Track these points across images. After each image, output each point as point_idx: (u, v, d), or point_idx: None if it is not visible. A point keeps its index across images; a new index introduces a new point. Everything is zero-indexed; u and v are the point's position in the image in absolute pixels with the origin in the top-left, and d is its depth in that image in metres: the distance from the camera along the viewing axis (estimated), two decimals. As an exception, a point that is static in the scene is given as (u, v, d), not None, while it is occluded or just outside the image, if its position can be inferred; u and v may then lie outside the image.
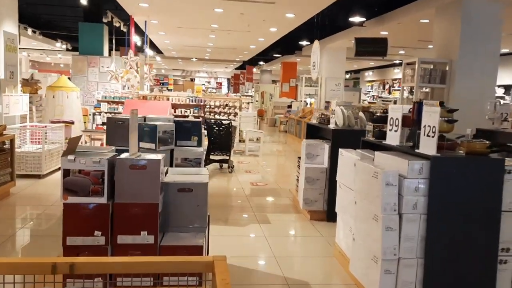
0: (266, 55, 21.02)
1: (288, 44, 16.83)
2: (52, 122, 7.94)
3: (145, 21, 11.16)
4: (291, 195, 5.97)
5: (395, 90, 25.59)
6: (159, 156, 2.75)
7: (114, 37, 13.19)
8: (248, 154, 10.17)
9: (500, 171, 2.79)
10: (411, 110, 3.22)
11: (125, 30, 12.86)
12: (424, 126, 2.89)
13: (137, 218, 2.68)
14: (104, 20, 11.45)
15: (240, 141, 11.73)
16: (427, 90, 8.04)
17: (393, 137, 3.31)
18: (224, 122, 7.80)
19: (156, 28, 12.57)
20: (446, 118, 2.85)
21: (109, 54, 13.70)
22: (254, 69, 28.00)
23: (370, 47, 9.08)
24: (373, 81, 29.35)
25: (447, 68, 7.41)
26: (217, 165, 8.15)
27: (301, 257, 3.86)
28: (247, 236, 4.32)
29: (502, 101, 5.84)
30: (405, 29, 10.80)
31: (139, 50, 19.68)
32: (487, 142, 2.87)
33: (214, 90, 32.35)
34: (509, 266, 2.89)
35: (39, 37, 14.36)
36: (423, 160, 2.78)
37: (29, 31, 13.49)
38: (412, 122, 3.19)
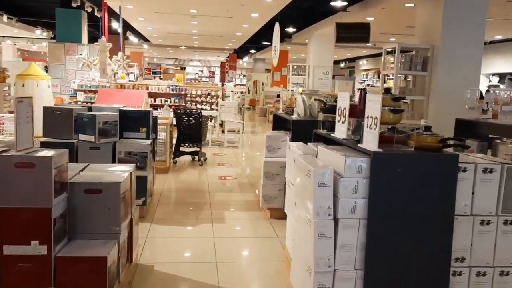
0: (257, 43, 20.52)
1: (280, 32, 16.33)
2: (10, 112, 7.53)
3: (119, 6, 10.69)
4: (257, 190, 5.60)
5: (389, 79, 25.11)
6: (51, 152, 2.34)
7: (88, 23, 12.73)
8: (227, 146, 9.78)
9: (454, 169, 2.39)
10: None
11: (99, 16, 12.38)
12: (367, 117, 2.49)
13: (26, 225, 2.29)
14: (74, 5, 10.97)
15: (223, 132, 11.33)
16: (409, 78, 7.63)
17: (340, 130, 2.92)
18: (194, 112, 7.39)
19: (133, 14, 12.09)
20: (391, 108, 2.45)
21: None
22: (246, 58, 27.50)
23: (352, 33, 8.63)
24: (368, 70, 28.83)
25: (429, 55, 6.99)
26: (189, 157, 7.76)
27: (246, 262, 3.49)
28: (193, 238, 3.95)
29: (495, 90, 5.43)
30: (391, 15, 10.33)
31: (125, 38, 19.19)
32: (439, 135, 2.48)
33: (207, 79, 31.83)
34: (465, 279, 2.51)
35: (16, 24, 13.85)
36: (363, 157, 2.39)
37: (5, 17, 12.99)
38: (360, 112, 2.79)
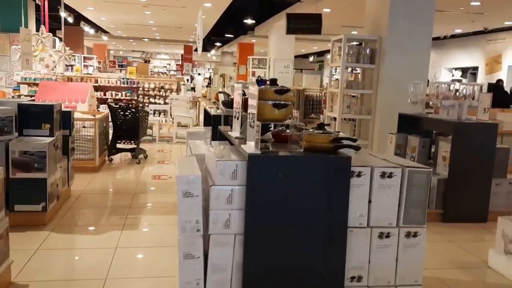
0: (222, 36, 20.05)
1: (240, 24, 15.93)
2: None
3: (62, -6, 10.07)
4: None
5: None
6: None
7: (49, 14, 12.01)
8: (176, 142, 9.33)
9: (346, 174, 2.05)
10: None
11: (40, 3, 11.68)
12: (249, 113, 2.11)
13: None
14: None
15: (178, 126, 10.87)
16: (357, 71, 7.35)
17: (235, 127, 2.54)
18: (130, 106, 6.92)
19: (82, 3, 11.46)
20: (275, 102, 2.08)
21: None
22: (213, 51, 26.98)
23: (304, 24, 8.30)
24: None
25: (376, 46, 6.70)
26: (129, 154, 7.28)
27: (140, 278, 3.08)
28: (92, 249, 3.51)
29: (436, 83, 5.15)
30: (347, 6, 10.05)
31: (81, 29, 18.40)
32: (332, 133, 2.12)
33: (174, 72, 31.16)
34: (362, 300, 2.18)
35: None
36: (239, 160, 2.01)
37: None
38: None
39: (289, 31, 8.30)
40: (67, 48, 10.07)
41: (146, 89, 11.94)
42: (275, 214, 2.00)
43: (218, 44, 23.60)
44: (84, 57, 21.07)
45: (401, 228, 2.15)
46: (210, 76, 28.59)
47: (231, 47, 25.56)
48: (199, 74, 34.19)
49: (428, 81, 15.80)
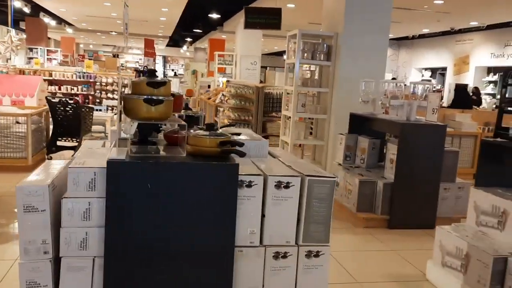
0: (190, 31, 19.60)
1: (208, 20, 15.52)
2: None
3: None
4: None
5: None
6: None
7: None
8: (130, 139, 8.88)
9: (232, 184, 1.72)
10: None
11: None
12: (120, 111, 1.76)
13: None
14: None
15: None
16: (312, 68, 7.06)
17: (119, 126, 2.18)
18: (70, 102, 6.46)
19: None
20: (146, 97, 1.72)
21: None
22: (185, 47, 26.46)
23: (262, 18, 7.97)
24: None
25: (332, 43, 6.42)
26: (72, 152, 6.82)
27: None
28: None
29: (385, 82, 4.89)
30: (311, 1, 9.75)
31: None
32: (222, 136, 1.79)
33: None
34: (254, 332, 1.85)
35: None
36: (97, 168, 1.66)
37: None
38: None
39: (247, 25, 7.97)
40: (15, 39, 9.52)
41: (104, 83, 11.42)
42: (143, 232, 1.65)
43: (188, 39, 23.09)
44: (47, 50, 20.35)
45: (301, 247, 1.83)
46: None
47: (203, 43, 25.10)
48: (172, 70, 33.61)
49: (395, 79, 15.64)
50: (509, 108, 2.87)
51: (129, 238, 1.64)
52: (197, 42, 25.73)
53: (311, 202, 1.80)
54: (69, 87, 10.99)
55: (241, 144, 1.75)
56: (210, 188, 1.68)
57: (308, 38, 6.68)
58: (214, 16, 13.27)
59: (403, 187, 4.26)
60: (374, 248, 3.83)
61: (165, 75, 32.98)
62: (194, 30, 17.79)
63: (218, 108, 9.91)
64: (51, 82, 10.94)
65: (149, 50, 11.58)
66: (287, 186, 1.78)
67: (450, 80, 15.98)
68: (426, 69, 18.94)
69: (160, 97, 1.71)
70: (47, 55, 20.04)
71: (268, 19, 7.94)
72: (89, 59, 30.79)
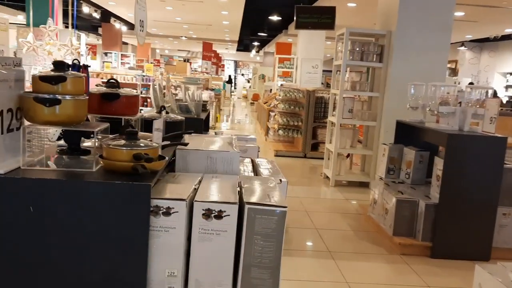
0: (255, 35, 19.49)
1: (272, 22, 15.26)
2: None
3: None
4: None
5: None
6: None
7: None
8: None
9: (142, 211, 1.32)
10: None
11: None
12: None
13: None
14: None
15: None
16: (364, 71, 6.44)
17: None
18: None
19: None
20: (36, 95, 1.37)
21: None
22: (253, 51, 26.47)
23: (314, 18, 7.47)
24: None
25: (385, 43, 5.79)
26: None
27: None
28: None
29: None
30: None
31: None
32: (142, 147, 1.40)
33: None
34: None
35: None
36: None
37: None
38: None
39: (298, 25, 7.52)
40: (76, 43, 9.86)
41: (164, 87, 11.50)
42: (20, 271, 1.31)
43: (256, 43, 23.03)
44: (121, 54, 21.28)
45: (241, 296, 1.39)
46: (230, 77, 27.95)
47: (271, 47, 24.94)
48: (242, 74, 33.86)
49: (472, 83, 14.24)
50: None
51: (6, 278, 1.31)
52: (266, 47, 25.64)
53: (253, 238, 1.36)
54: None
55: (150, 159, 1.35)
56: (112, 216, 1.30)
57: (358, 37, 6.10)
58: (275, 18, 12.92)
59: (449, 210, 3.59)
60: (407, 282, 3.22)
61: (233, 79, 33.15)
62: (259, 33, 17.59)
63: (270, 112, 9.55)
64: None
65: (207, 54, 11.51)
66: (219, 216, 1.35)
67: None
68: (511, 73, 17.16)
69: (58, 96, 1.36)
70: (121, 59, 20.96)
71: (321, 19, 7.43)
72: (165, 63, 31.98)
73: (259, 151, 4.19)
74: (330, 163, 6.11)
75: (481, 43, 17.35)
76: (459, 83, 12.84)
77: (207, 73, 14.39)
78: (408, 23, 5.53)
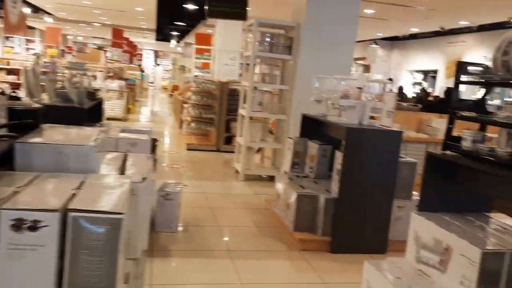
0: (174, 25, 18.85)
1: (189, 11, 14.78)
2: None
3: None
4: None
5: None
6: None
7: None
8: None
9: None
10: None
11: None
12: None
13: None
14: None
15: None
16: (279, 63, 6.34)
17: None
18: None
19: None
20: None
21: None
22: (173, 41, 25.75)
23: (226, 7, 7.26)
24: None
25: (294, 35, 5.72)
26: None
27: None
28: None
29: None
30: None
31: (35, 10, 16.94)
32: None
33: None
34: None
35: None
36: None
37: None
38: None
39: (210, 14, 7.25)
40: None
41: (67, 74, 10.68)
42: None
43: (175, 33, 22.37)
44: (27, 39, 19.63)
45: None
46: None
47: (192, 38, 24.38)
48: (158, 64, 32.81)
49: (391, 79, 14.91)
50: (462, 113, 2.15)
51: None
52: (186, 37, 25.00)
53: (79, 254, 1.10)
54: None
55: None
56: None
57: (268, 28, 5.99)
58: (190, 7, 12.52)
59: (347, 204, 3.56)
60: (303, 280, 3.13)
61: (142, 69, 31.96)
62: (178, 23, 17.04)
63: (184, 105, 9.22)
64: (9, 72, 10.23)
65: (118, 41, 10.82)
66: (34, 227, 1.07)
67: (442, 84, 15.30)
68: (417, 71, 18.26)
69: None
70: (26, 44, 19.34)
71: (233, 8, 7.23)
72: (78, 51, 30.12)
73: (155, 145, 3.91)
74: (241, 157, 5.96)
75: (392, 42, 18.25)
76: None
77: (119, 61, 13.61)
78: (316, 16, 5.51)
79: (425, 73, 17.93)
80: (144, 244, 1.72)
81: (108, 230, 1.10)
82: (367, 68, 19.25)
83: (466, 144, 2.19)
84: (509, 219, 2.39)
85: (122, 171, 1.86)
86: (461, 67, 2.34)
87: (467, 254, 1.96)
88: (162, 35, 25.32)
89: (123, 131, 3.18)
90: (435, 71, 16.52)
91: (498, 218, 2.39)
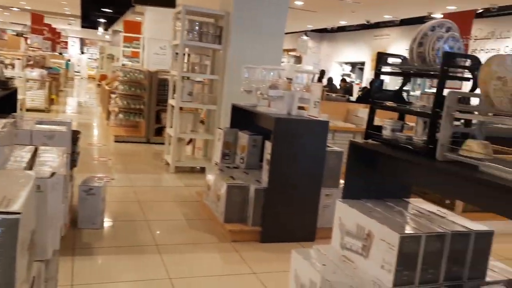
0: (101, 11, 18.02)
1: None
2: None
3: None
4: None
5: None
6: None
7: None
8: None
9: None
10: None
11: None
12: None
13: None
14: None
15: None
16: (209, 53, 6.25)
17: None
18: None
19: None
20: None
21: None
22: (100, 29, 24.64)
23: (154, -6, 7.04)
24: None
25: (223, 24, 5.65)
26: None
27: None
28: None
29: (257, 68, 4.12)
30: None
31: None
32: None
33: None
34: None
35: None
36: None
37: None
38: None
39: (137, 1, 6.99)
40: None
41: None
42: None
43: (102, 20, 21.40)
44: None
45: None
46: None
47: (121, 26, 23.45)
48: (83, 52, 31.29)
49: (324, 71, 15.24)
50: (382, 102, 2.21)
51: None
52: (114, 25, 24.01)
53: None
54: None
55: None
56: None
57: (197, 17, 5.87)
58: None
59: (277, 193, 3.59)
60: (234, 271, 3.11)
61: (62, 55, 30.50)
62: (105, 9, 16.29)
63: (111, 95, 8.84)
64: None
65: (38, 27, 10.06)
66: None
67: (368, 75, 15.94)
68: (346, 63, 18.89)
69: None
70: None
71: (161, -4, 7.02)
72: (-5, 37, 27.86)
73: (77, 137, 3.69)
74: (171, 148, 5.82)
75: (321, 34, 18.71)
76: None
77: (39, 48, 12.72)
78: (245, 6, 5.48)
79: (353, 65, 18.59)
80: (56, 244, 1.60)
81: (3, 231, 0.99)
82: (299, 59, 19.60)
83: (386, 133, 2.26)
84: (426, 203, 2.51)
85: (30, 166, 1.71)
86: (381, 58, 2.41)
87: (387, 239, 2.02)
88: (88, 22, 24.13)
89: (39, 122, 2.95)
90: (362, 63, 17.18)
91: (416, 203, 2.51)
